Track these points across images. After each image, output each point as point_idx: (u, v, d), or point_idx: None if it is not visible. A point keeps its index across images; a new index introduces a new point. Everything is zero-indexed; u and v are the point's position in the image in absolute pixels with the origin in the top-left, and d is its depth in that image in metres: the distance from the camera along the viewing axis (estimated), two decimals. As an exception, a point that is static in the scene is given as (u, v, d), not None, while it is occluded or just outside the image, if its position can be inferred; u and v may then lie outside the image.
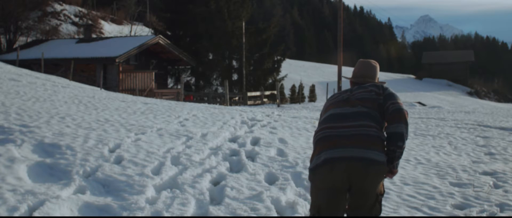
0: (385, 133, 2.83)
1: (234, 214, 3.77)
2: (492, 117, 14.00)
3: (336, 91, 24.92)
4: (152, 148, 5.66)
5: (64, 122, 6.92)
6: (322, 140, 2.79)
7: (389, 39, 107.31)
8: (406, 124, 2.77)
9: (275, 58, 30.37)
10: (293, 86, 30.77)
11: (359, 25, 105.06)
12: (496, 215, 4.02)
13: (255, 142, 6.79)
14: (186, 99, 24.36)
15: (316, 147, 2.82)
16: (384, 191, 2.91)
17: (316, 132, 2.92)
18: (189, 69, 31.42)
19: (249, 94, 25.94)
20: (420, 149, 7.16)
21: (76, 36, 34.76)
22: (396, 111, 2.78)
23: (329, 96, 22.82)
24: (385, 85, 3.00)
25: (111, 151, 5.42)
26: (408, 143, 7.64)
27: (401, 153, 2.78)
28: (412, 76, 64.68)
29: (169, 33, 31.14)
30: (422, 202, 4.26)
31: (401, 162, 6.02)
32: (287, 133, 7.83)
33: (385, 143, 2.79)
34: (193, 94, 26.16)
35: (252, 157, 5.77)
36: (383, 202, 4.19)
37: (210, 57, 30.19)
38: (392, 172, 2.85)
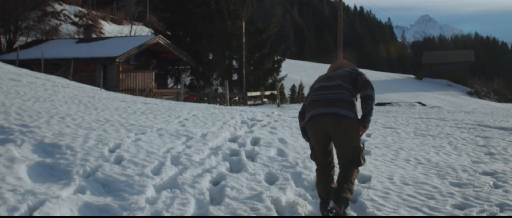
0: (359, 97, 3.87)
1: (234, 214, 3.77)
2: (492, 117, 14.00)
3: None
4: (152, 148, 5.66)
5: (64, 122, 6.92)
6: (310, 102, 3.90)
7: (389, 39, 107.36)
8: (372, 88, 3.82)
9: (275, 58, 30.35)
10: (293, 86, 30.77)
11: (359, 25, 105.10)
12: (496, 215, 4.02)
13: (255, 142, 6.79)
14: (191, 99, 24.35)
15: (307, 108, 3.93)
16: (363, 146, 3.87)
17: (307, 97, 4.03)
18: (189, 69, 31.40)
19: (249, 94, 25.92)
20: (420, 149, 7.16)
21: (76, 36, 34.75)
22: (364, 81, 3.85)
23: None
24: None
25: (111, 151, 5.42)
26: (409, 143, 7.65)
27: (371, 109, 3.81)
28: (412, 76, 64.67)
29: (169, 33, 31.12)
30: (422, 202, 4.26)
31: (401, 162, 6.03)
32: (287, 133, 7.83)
33: (361, 103, 3.76)
34: (194, 94, 26.14)
35: (252, 157, 5.77)
36: (382, 201, 4.22)
37: (210, 57, 30.17)
38: (364, 126, 3.82)
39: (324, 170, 3.89)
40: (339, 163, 3.85)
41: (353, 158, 3.75)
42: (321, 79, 4.04)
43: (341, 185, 3.66)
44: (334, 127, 3.72)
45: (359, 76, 3.91)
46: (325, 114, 3.73)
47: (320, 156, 3.88)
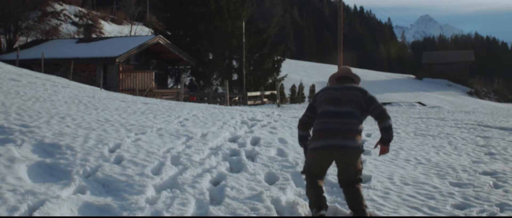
0: (378, 126, 3.97)
1: (234, 214, 3.77)
2: (492, 117, 14.00)
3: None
4: (152, 148, 5.66)
5: (64, 122, 6.92)
6: (320, 130, 3.90)
7: (389, 39, 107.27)
8: (389, 118, 3.93)
9: (275, 58, 30.33)
10: (293, 86, 30.75)
11: (359, 25, 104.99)
12: (496, 215, 4.02)
13: (255, 142, 6.79)
14: (191, 99, 24.33)
15: (315, 134, 3.93)
16: (362, 167, 3.98)
17: (315, 121, 4.00)
18: (189, 69, 31.38)
19: (249, 94, 25.91)
20: (420, 149, 7.16)
21: (76, 36, 34.72)
22: (381, 112, 3.92)
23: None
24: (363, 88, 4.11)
25: (111, 151, 5.42)
26: (409, 143, 7.66)
27: (392, 137, 3.96)
28: (412, 76, 64.64)
29: (169, 33, 31.10)
30: (422, 202, 4.26)
31: (401, 162, 6.04)
32: (287, 133, 7.83)
33: (381, 132, 3.93)
34: (194, 94, 26.13)
35: (252, 157, 5.77)
36: (382, 201, 4.25)
37: (210, 57, 30.15)
38: (385, 150, 3.99)
39: (317, 180, 3.94)
40: (340, 183, 3.97)
41: (356, 179, 3.89)
42: (329, 99, 3.96)
43: (359, 209, 3.78)
44: (341, 156, 3.84)
45: (371, 105, 3.92)
46: (335, 146, 3.80)
47: (316, 173, 3.94)
